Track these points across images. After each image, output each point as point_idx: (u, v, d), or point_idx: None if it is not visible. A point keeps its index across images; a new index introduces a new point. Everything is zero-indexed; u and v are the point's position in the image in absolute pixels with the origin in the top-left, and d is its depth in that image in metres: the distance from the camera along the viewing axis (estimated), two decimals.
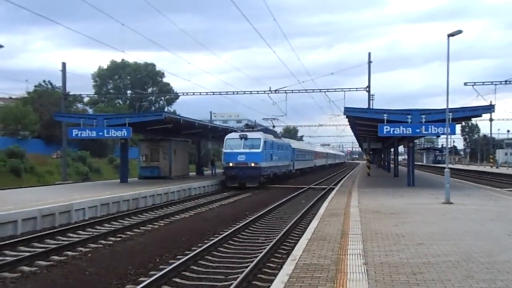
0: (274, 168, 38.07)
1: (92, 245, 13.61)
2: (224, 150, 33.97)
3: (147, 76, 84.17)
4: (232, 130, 39.61)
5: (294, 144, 53.76)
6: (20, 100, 57.18)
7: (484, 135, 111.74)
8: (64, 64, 41.58)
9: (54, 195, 21.24)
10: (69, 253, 12.58)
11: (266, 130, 39.13)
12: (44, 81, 63.57)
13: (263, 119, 46.46)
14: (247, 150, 32.63)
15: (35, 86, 62.14)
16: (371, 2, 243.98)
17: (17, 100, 57.90)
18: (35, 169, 42.62)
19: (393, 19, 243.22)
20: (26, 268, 10.94)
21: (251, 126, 37.08)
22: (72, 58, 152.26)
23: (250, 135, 33.89)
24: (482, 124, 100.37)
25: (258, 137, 33.78)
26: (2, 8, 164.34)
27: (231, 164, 32.89)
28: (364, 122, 29.49)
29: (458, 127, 34.07)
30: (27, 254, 12.12)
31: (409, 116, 24.43)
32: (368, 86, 39.53)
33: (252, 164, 32.16)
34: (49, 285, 9.66)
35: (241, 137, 33.33)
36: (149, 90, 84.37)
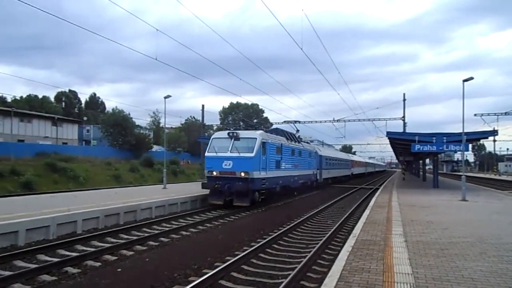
0: (283, 179, 20.29)
1: (221, 221, 14.05)
2: (206, 154, 18.03)
3: (253, 111, 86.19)
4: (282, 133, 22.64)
5: (323, 150, 34.28)
6: (177, 129, 62.08)
7: (489, 152, 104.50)
8: (203, 106, 43.50)
9: (196, 188, 22.24)
10: (208, 225, 13.11)
11: (275, 131, 22.53)
12: (191, 116, 69.09)
13: (284, 122, 29.41)
14: (236, 155, 16.79)
15: (186, 120, 68.16)
16: (407, 58, 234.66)
17: (175, 129, 62.93)
18: (185, 171, 45.02)
19: (423, 69, 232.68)
20: (184, 232, 11.58)
21: (253, 126, 18.74)
22: (208, 101, 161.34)
23: (243, 134, 17.69)
24: (488, 144, 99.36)
25: (253, 137, 17.22)
26: (172, 72, 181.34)
27: (214, 173, 17.11)
28: (400, 141, 28.20)
29: (470, 146, 31.26)
30: (184, 224, 12.80)
31: (434, 138, 23.12)
32: (403, 117, 37.93)
33: (242, 174, 16.46)
34: (197, 242, 10.15)
35: (230, 136, 17.43)
36: (254, 121, 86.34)
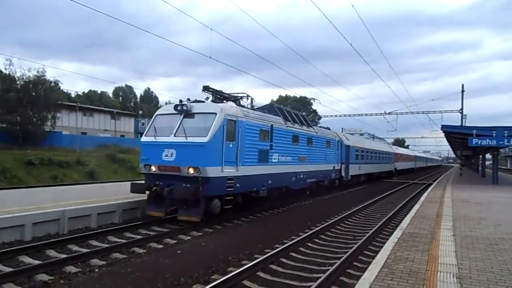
0: (274, 178, 13.83)
1: (270, 211, 14.60)
2: (142, 138, 11.69)
3: (301, 104, 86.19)
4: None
5: (351, 139, 26.62)
6: None
7: None
8: (252, 99, 44.76)
9: None
10: (258, 215, 13.58)
11: (268, 108, 15.80)
12: None
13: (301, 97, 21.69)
14: (182, 140, 10.43)
15: None
16: (469, 46, 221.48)
17: None
18: None
19: (487, 57, 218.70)
20: (236, 221, 12.24)
21: (226, 98, 13.36)
22: (257, 94, 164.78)
23: (198, 107, 11.13)
24: None
25: (211, 112, 10.77)
26: (221, 66, 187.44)
27: (153, 169, 10.94)
28: (457, 135, 27.18)
29: None
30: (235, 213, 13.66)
31: (494, 132, 22.05)
32: (461, 109, 36.30)
33: (190, 171, 10.21)
34: (248, 230, 10.73)
35: (179, 111, 11.03)
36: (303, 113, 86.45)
